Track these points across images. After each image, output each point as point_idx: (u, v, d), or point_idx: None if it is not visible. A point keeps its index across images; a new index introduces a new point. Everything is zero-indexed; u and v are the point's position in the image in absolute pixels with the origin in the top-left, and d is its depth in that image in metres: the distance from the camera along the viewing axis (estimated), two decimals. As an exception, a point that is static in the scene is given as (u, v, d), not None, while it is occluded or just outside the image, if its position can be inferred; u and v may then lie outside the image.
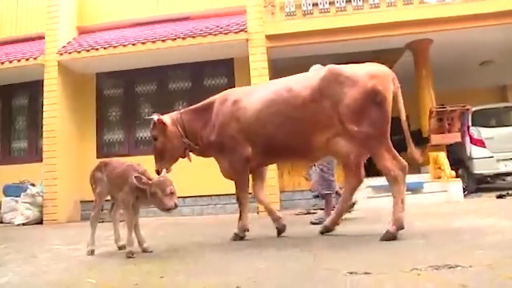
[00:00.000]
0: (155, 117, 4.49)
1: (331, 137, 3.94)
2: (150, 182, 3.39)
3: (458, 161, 8.87)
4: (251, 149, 4.25)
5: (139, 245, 3.64)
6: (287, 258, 3.07)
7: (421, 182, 8.08)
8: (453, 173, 7.86)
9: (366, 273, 2.41)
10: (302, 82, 4.09)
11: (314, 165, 5.75)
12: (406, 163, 3.80)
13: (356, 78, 3.77)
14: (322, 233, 4.25)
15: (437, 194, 7.72)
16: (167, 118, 4.57)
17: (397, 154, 3.81)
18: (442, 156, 8.18)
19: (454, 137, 8.37)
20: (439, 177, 8.15)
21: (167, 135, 4.52)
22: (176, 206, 3.37)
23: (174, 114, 4.69)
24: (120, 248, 3.94)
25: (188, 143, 4.54)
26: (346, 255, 3.06)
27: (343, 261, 2.81)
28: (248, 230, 4.33)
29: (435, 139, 8.39)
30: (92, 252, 3.71)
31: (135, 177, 3.37)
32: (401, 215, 3.67)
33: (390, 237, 3.59)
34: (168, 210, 3.38)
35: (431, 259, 2.66)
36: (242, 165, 4.31)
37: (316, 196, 6.06)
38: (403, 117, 4.05)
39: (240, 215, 4.37)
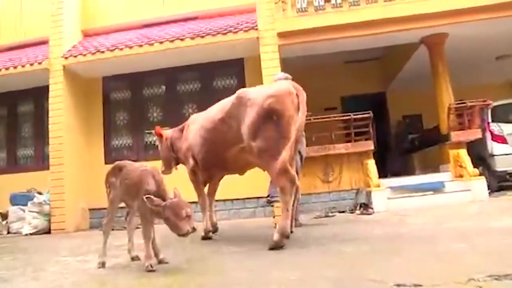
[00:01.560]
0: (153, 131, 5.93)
1: (241, 153, 4.44)
2: (162, 204, 3.07)
3: (479, 158, 8.52)
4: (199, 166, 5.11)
5: (155, 256, 3.35)
6: (319, 266, 2.78)
7: (442, 182, 7.75)
8: (476, 171, 7.51)
9: (416, 285, 2.12)
10: (219, 108, 4.74)
11: None
12: (295, 176, 4.06)
13: (256, 99, 4.19)
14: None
15: (459, 193, 7.35)
16: (165, 133, 5.67)
17: (288, 167, 4.02)
18: (464, 154, 7.84)
19: (474, 134, 8.03)
20: (461, 176, 7.80)
21: (162, 146, 5.68)
22: (194, 230, 3.04)
23: (170, 131, 5.71)
24: (133, 259, 3.66)
25: (174, 156, 5.53)
26: (385, 263, 2.76)
27: (384, 271, 2.51)
28: (211, 231, 5.07)
29: (455, 136, 8.05)
30: (103, 265, 3.43)
31: (146, 198, 3.06)
32: (285, 222, 3.86)
33: (275, 246, 3.76)
34: (183, 236, 3.05)
35: (485, 267, 2.36)
36: (191, 176, 5.23)
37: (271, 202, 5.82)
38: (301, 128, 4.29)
39: (203, 219, 5.12)
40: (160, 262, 3.38)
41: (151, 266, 3.08)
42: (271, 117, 4.03)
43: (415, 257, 2.90)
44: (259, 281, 2.49)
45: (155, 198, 3.08)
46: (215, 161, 4.84)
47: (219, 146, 4.63)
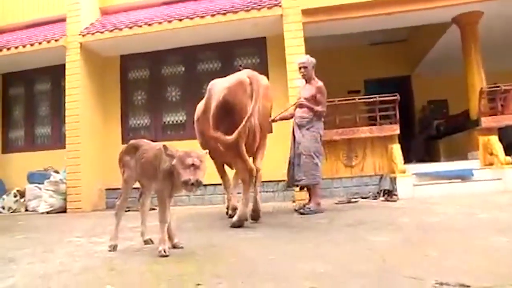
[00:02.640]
0: None
1: None
2: (176, 154, 2.88)
3: (509, 146, 8.09)
4: None
5: (169, 240, 3.14)
6: (348, 258, 2.52)
7: (470, 169, 7.36)
8: (509, 159, 7.09)
9: (462, 285, 1.85)
10: (202, 101, 5.06)
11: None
12: (253, 167, 4.45)
13: (217, 92, 4.48)
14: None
15: (489, 182, 6.97)
16: None
17: (247, 158, 4.41)
18: (495, 140, 7.41)
19: (508, 119, 7.59)
20: (491, 164, 7.41)
21: None
22: (197, 182, 2.77)
23: None
24: (146, 242, 3.47)
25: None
26: (420, 257, 2.48)
27: (420, 265, 2.25)
28: (236, 209, 4.72)
29: (486, 121, 7.63)
30: (114, 248, 3.24)
31: (163, 145, 2.92)
32: (244, 209, 4.35)
33: (235, 225, 4.26)
34: (185, 184, 2.78)
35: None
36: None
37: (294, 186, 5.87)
38: (248, 114, 4.31)
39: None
40: (174, 246, 3.18)
41: (165, 252, 2.87)
42: (225, 108, 4.33)
43: (453, 251, 2.62)
44: (283, 273, 2.25)
45: (169, 147, 2.91)
46: (212, 150, 4.88)
47: (202, 139, 5.04)
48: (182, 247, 3.18)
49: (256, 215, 4.61)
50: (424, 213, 4.72)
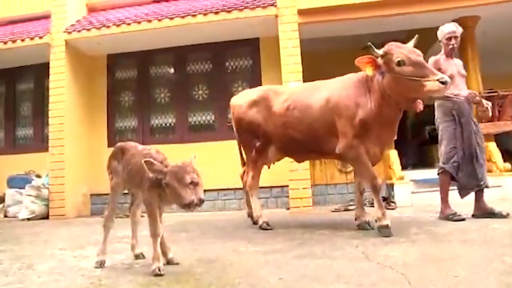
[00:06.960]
0: None
1: None
2: (164, 169, 2.56)
3: (505, 152, 7.95)
4: None
5: (162, 255, 2.83)
6: (370, 279, 2.23)
7: (469, 176, 7.18)
8: (509, 165, 6.93)
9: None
10: None
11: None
12: None
13: None
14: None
15: (489, 189, 6.77)
16: None
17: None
18: (493, 147, 7.26)
19: (505, 126, 7.45)
20: (489, 171, 7.23)
21: None
22: (200, 201, 2.48)
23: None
24: (137, 256, 3.16)
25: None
26: (450, 277, 2.22)
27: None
28: None
29: (484, 127, 7.44)
30: (102, 264, 2.91)
31: (145, 161, 2.53)
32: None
33: None
34: (186, 206, 2.48)
35: None
36: None
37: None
38: None
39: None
40: (169, 262, 2.88)
41: (159, 270, 2.57)
42: None
43: (484, 269, 2.34)
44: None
45: (155, 162, 2.56)
46: None
47: None
48: (177, 263, 2.88)
49: None
50: (431, 223, 4.48)
